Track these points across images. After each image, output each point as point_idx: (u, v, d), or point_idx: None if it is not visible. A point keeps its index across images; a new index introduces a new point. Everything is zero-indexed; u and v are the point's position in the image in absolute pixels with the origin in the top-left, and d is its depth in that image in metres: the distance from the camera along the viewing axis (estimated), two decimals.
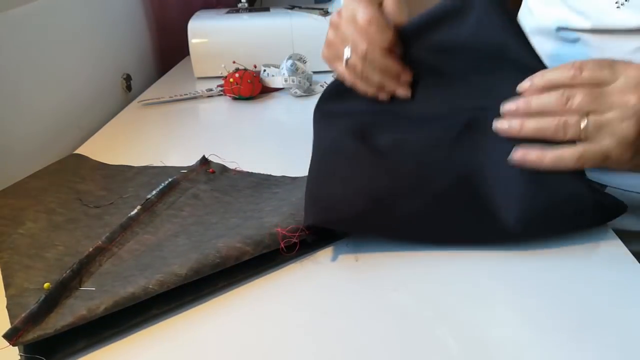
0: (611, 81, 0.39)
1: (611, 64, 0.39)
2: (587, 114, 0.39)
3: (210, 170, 0.57)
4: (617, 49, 0.54)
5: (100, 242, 0.44)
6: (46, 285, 0.40)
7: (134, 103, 0.85)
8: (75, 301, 0.38)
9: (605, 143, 0.40)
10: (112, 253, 0.44)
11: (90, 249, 0.43)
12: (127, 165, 0.61)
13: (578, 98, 0.40)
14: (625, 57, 0.53)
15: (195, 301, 0.40)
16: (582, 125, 0.39)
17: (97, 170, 0.61)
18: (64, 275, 0.40)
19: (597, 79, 0.40)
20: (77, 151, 0.67)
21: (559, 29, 0.60)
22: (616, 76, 0.39)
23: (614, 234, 0.45)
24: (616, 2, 0.53)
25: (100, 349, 0.36)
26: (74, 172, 0.60)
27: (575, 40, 0.58)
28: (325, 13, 0.93)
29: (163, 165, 0.60)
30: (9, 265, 0.44)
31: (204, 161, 0.59)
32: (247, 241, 0.42)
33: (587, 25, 0.56)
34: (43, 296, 0.37)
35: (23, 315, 0.35)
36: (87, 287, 0.40)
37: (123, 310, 0.37)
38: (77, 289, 0.39)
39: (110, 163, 0.63)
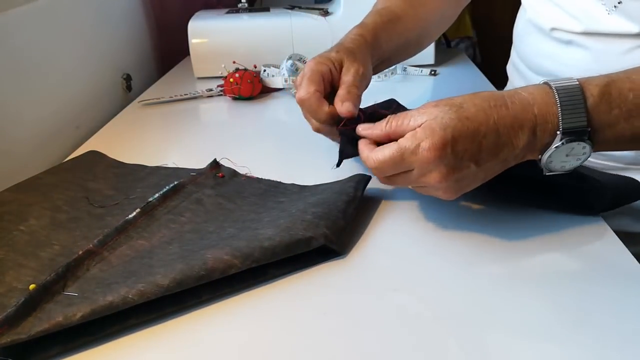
0: (411, 169, 0.43)
1: (402, 159, 0.43)
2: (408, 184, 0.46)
3: (220, 174, 0.56)
4: (610, 51, 0.55)
5: (91, 246, 0.43)
6: (32, 286, 0.39)
7: (134, 103, 0.85)
8: (55, 306, 0.37)
9: (433, 194, 0.45)
10: (102, 257, 0.43)
11: (80, 252, 0.42)
12: (141, 165, 0.60)
13: (397, 181, 0.46)
14: (618, 58, 0.55)
15: (176, 313, 0.39)
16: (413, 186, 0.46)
17: (111, 169, 0.60)
18: (48, 278, 0.39)
19: (401, 170, 0.44)
20: (77, 151, 0.67)
21: (553, 29, 0.61)
22: (412, 166, 0.43)
23: (614, 235, 0.46)
24: (606, 10, 0.54)
25: (75, 355, 0.36)
26: (88, 170, 0.60)
27: (569, 42, 0.59)
28: (325, 13, 0.94)
29: (175, 166, 0.60)
30: (3, 262, 0.43)
31: (215, 165, 0.58)
32: (236, 254, 0.40)
33: (579, 28, 0.57)
34: (22, 299, 0.36)
35: None
36: (71, 292, 0.39)
37: (101, 317, 0.36)
38: (59, 294, 0.39)
39: None
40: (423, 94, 0.75)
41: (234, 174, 0.57)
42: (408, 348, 0.35)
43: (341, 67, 0.54)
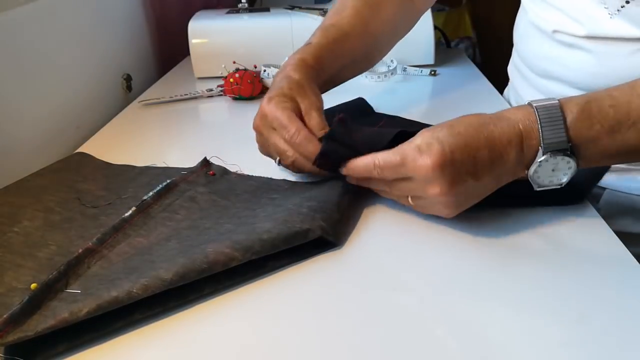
0: (409, 177, 0.44)
1: (403, 164, 0.44)
2: (407, 196, 0.47)
3: (211, 172, 0.56)
4: (613, 53, 0.55)
5: (90, 244, 0.44)
6: (33, 285, 0.39)
7: (135, 103, 0.85)
8: (59, 303, 0.37)
9: (432, 210, 0.47)
10: (102, 255, 0.43)
11: (80, 251, 0.43)
12: (130, 165, 0.61)
13: (395, 191, 0.47)
14: (622, 60, 0.54)
15: (179, 307, 0.39)
16: (411, 203, 0.47)
17: (100, 170, 0.60)
18: (50, 276, 0.39)
19: (399, 176, 0.45)
20: (77, 151, 0.67)
21: (555, 31, 0.61)
22: (412, 173, 0.44)
23: (615, 235, 0.46)
24: (609, 14, 0.54)
25: (81, 352, 0.36)
26: (76, 171, 0.60)
27: (571, 45, 0.59)
28: (325, 13, 0.93)
29: (165, 166, 0.60)
30: (0, 263, 0.44)
31: (205, 163, 0.58)
32: (236, 247, 0.41)
33: (581, 32, 0.57)
34: (26, 297, 0.36)
35: (4, 316, 0.35)
36: (73, 289, 0.39)
37: (106, 313, 0.36)
38: (62, 291, 0.39)
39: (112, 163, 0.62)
40: (423, 94, 0.75)
41: (224, 172, 0.57)
42: (407, 346, 0.35)
43: (295, 103, 0.52)
